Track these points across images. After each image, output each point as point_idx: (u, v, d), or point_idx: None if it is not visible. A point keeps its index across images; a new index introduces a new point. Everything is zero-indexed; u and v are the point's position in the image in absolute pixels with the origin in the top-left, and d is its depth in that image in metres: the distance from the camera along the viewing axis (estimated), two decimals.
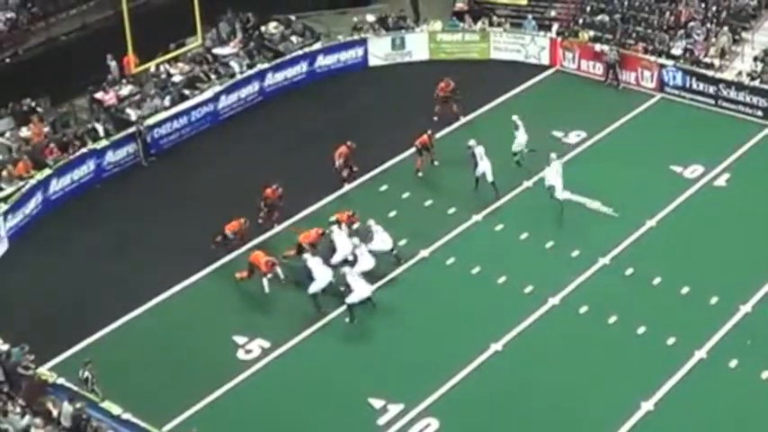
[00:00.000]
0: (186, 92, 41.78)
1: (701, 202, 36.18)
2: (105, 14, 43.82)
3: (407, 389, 28.82)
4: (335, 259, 32.63)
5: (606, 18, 45.54)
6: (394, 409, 28.33)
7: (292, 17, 47.15)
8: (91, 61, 41.45)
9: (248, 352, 30.53)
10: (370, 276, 32.17)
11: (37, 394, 27.35)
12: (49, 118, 39.96)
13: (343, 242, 33.02)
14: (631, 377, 29.04)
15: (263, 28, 45.93)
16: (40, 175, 36.77)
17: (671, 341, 30.13)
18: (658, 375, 28.92)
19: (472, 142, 36.52)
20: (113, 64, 41.95)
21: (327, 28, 47.22)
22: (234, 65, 43.40)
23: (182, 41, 42.40)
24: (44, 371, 28.46)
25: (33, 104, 40.02)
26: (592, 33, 44.81)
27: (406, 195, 36.73)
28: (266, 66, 43.52)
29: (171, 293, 32.83)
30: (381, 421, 28.06)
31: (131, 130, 39.39)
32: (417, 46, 45.78)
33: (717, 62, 42.49)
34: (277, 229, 35.35)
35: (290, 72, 44.09)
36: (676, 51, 43.24)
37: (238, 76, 42.79)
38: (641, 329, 30.58)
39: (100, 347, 30.64)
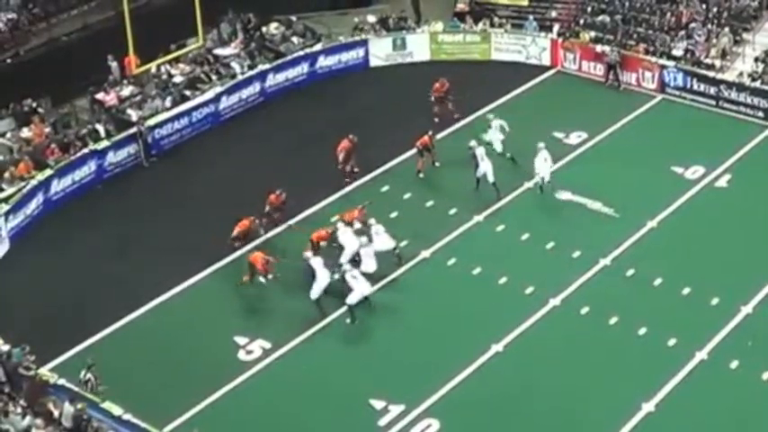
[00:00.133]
0: (187, 92, 41.79)
1: (702, 203, 36.17)
2: (106, 15, 43.85)
3: (408, 390, 28.82)
4: (343, 258, 32.51)
5: (607, 19, 45.54)
6: (395, 409, 28.33)
7: (293, 18, 47.17)
8: (92, 62, 41.46)
9: (249, 353, 30.53)
10: (370, 277, 32.15)
11: (38, 395, 27.36)
12: (50, 118, 39.99)
13: (349, 240, 32.97)
14: (632, 378, 29.03)
15: (264, 29, 45.94)
16: (41, 176, 36.77)
17: (672, 342, 30.13)
18: (659, 376, 28.91)
19: (473, 143, 36.57)
20: (114, 65, 41.97)
21: (328, 29, 47.22)
22: (235, 65, 43.40)
23: (183, 42, 42.48)
24: (45, 371, 28.47)
25: (34, 105, 40.02)
26: (593, 34, 44.80)
27: (407, 196, 36.73)
28: (267, 66, 43.52)
29: (172, 294, 32.82)
30: (382, 422, 28.06)
31: (132, 130, 39.40)
32: (418, 47, 45.79)
33: (718, 63, 42.49)
34: (277, 229, 35.31)
35: (291, 73, 44.10)
36: (677, 52, 43.23)
37: (239, 77, 42.79)
38: (642, 330, 30.58)
39: (101, 348, 30.63)
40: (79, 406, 26.33)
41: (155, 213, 36.80)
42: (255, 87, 42.98)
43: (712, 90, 41.66)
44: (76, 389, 27.65)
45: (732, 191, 36.75)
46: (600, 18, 45.72)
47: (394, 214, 35.38)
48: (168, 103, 41.05)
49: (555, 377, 29.27)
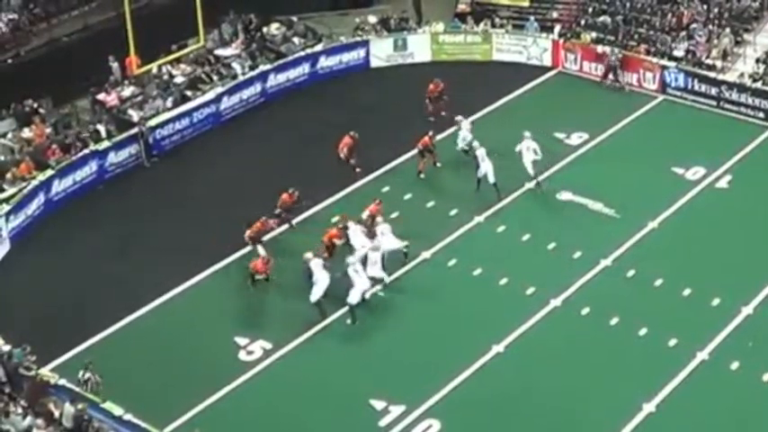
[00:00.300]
0: (188, 93, 41.79)
1: (703, 204, 36.17)
2: (107, 15, 43.83)
3: (409, 390, 28.82)
4: (353, 258, 32.43)
5: (608, 19, 45.55)
6: (395, 410, 28.33)
7: (294, 18, 47.19)
8: (93, 62, 41.45)
9: (250, 353, 30.52)
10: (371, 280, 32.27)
11: (39, 395, 27.37)
12: (51, 119, 39.99)
13: (361, 241, 32.90)
14: (633, 378, 29.03)
15: (265, 29, 45.93)
16: (42, 176, 36.77)
17: (673, 343, 30.13)
18: (660, 377, 28.92)
19: (475, 144, 36.58)
20: (115, 65, 41.96)
21: (329, 29, 47.24)
22: (236, 66, 43.40)
23: (184, 43, 42.47)
24: (46, 372, 28.46)
25: (35, 105, 40.01)
26: (594, 35, 44.81)
27: (407, 197, 36.73)
28: (268, 67, 43.52)
29: (173, 294, 32.81)
30: (383, 422, 28.05)
31: (133, 131, 39.40)
32: (419, 47, 45.81)
33: (719, 64, 42.50)
34: (279, 229, 35.34)
35: (292, 73, 44.11)
36: (678, 53, 43.25)
37: (240, 78, 42.78)
38: (643, 331, 30.58)
39: (101, 348, 30.64)
40: (80, 406, 26.33)
41: (156, 214, 36.81)
42: (256, 88, 42.99)
43: (713, 91, 41.67)
44: (77, 389, 27.66)
45: (733, 192, 36.76)
46: (601, 19, 45.73)
47: (395, 215, 35.33)
48: (169, 103, 41.06)
49: (556, 378, 29.27)
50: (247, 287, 32.65)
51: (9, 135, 39.00)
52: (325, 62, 44.88)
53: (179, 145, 40.45)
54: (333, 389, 29.25)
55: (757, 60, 42.17)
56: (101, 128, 39.37)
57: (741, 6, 44.41)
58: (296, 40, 45.72)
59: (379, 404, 28.52)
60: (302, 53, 44.57)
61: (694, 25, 43.91)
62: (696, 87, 42.02)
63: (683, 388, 28.70)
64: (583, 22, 46.06)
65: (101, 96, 41.09)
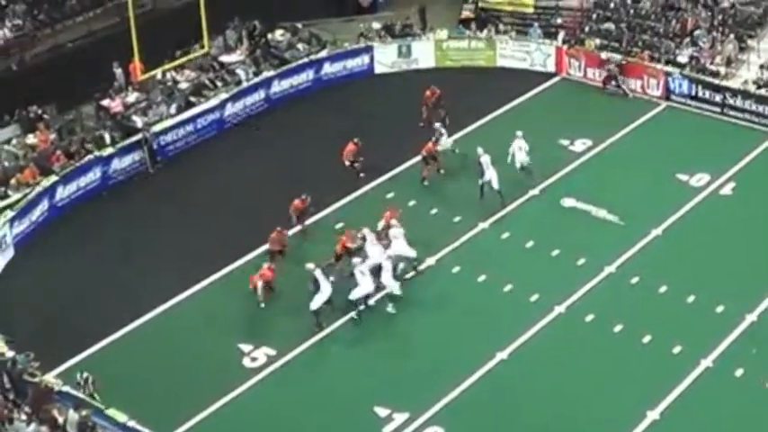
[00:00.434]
0: (192, 99, 41.82)
1: (707, 211, 36.14)
2: (111, 22, 43.83)
3: (413, 397, 28.80)
4: (364, 266, 32.35)
5: (612, 26, 45.56)
6: (399, 417, 28.30)
7: (299, 25, 47.20)
8: (97, 68, 41.49)
9: (254, 360, 30.53)
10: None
11: (43, 401, 27.33)
12: (56, 125, 40.05)
13: (375, 252, 32.85)
14: (637, 386, 28.99)
15: (269, 35, 45.98)
16: (46, 182, 36.81)
17: (677, 350, 30.10)
18: (664, 384, 28.88)
19: (479, 151, 36.55)
20: (119, 71, 41.98)
21: (333, 35, 47.27)
22: (240, 72, 43.43)
23: (188, 49, 42.48)
24: (50, 378, 28.46)
25: (40, 111, 40.07)
26: (598, 41, 44.83)
27: (412, 203, 36.72)
28: (272, 73, 43.56)
29: (176, 300, 32.82)
30: (387, 430, 28.02)
31: (138, 137, 39.43)
32: (423, 53, 45.83)
33: (723, 70, 42.50)
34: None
35: (297, 79, 44.14)
36: (682, 59, 43.26)
37: (245, 84, 42.84)
38: (647, 338, 30.56)
39: (105, 355, 30.68)
40: (84, 413, 26.30)
41: (160, 220, 36.83)
42: (260, 94, 43.03)
43: (717, 97, 41.65)
44: (81, 395, 27.68)
45: (737, 198, 36.73)
46: (605, 25, 45.75)
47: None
48: (173, 109, 41.09)
49: (560, 384, 29.25)
50: (254, 297, 32.38)
51: (13, 141, 39.05)
52: (329, 68, 44.91)
53: (183, 151, 40.49)
54: (337, 395, 29.24)
55: (761, 67, 42.16)
56: (105, 134, 39.41)
57: (745, 13, 44.41)
58: (300, 46, 45.76)
59: (383, 411, 28.50)
60: (306, 59, 44.61)
61: (698, 32, 43.92)
62: (700, 94, 41.99)
63: (687, 395, 28.67)
64: (587, 28, 46.08)
65: (105, 102, 41.14)
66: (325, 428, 28.29)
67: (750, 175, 37.79)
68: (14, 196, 36.21)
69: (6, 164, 37.87)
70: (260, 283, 32.17)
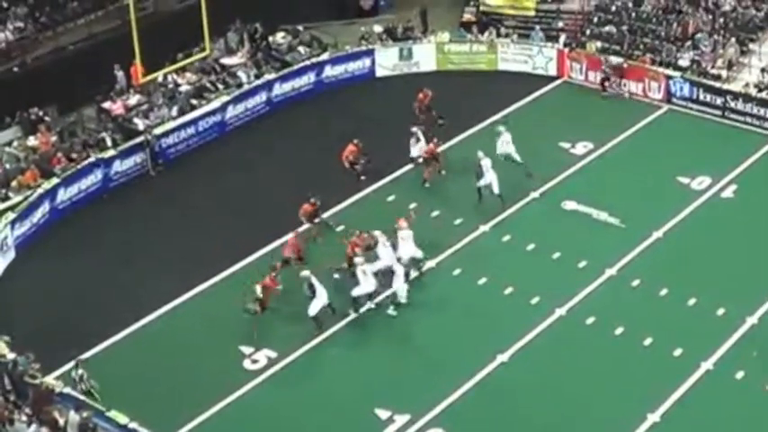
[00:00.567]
0: (194, 102, 41.84)
1: (708, 214, 36.15)
2: (113, 24, 43.90)
3: (414, 399, 28.80)
4: (373, 268, 32.35)
5: (613, 29, 45.57)
6: (400, 419, 28.31)
7: (300, 27, 47.21)
8: (98, 71, 41.53)
9: (255, 362, 30.52)
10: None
11: (43, 403, 27.35)
12: (57, 127, 40.06)
13: (386, 254, 32.82)
14: (638, 388, 28.99)
15: (270, 38, 45.99)
16: (47, 185, 36.82)
17: (677, 352, 30.10)
18: (665, 387, 28.89)
19: (480, 154, 36.53)
20: (121, 74, 42.00)
21: (335, 38, 47.30)
22: (241, 75, 43.45)
23: (189, 51, 42.50)
24: (50, 380, 28.48)
25: (41, 114, 40.08)
26: (599, 44, 44.85)
27: (413, 206, 36.65)
28: (274, 76, 43.57)
29: (177, 303, 32.83)
30: (387, 431, 28.04)
31: (139, 139, 39.45)
32: (425, 56, 45.83)
33: (724, 73, 42.51)
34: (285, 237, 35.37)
35: (298, 82, 44.14)
36: (683, 62, 43.28)
37: (246, 87, 42.84)
38: (648, 341, 30.56)
39: (106, 356, 30.67)
40: (85, 414, 26.33)
41: (161, 222, 36.84)
42: (262, 97, 43.03)
43: (719, 100, 41.67)
44: (79, 394, 27.70)
45: (738, 201, 36.74)
46: (606, 28, 45.76)
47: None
48: (175, 112, 41.11)
49: (560, 387, 29.25)
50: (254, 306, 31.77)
51: (14, 143, 39.07)
52: (330, 71, 44.91)
53: (184, 154, 40.49)
54: (337, 397, 29.24)
55: (762, 70, 42.15)
56: (106, 136, 39.42)
57: (746, 16, 44.42)
58: (301, 49, 45.78)
59: (383, 413, 28.50)
60: (308, 62, 44.62)
61: (700, 35, 43.93)
62: (701, 97, 42.01)
63: (687, 398, 28.67)
64: (588, 31, 46.09)
65: (106, 105, 41.16)
66: (326, 430, 28.30)
67: (751, 179, 37.79)
68: (15, 198, 36.23)
69: (7, 166, 37.89)
70: (258, 288, 31.92)
